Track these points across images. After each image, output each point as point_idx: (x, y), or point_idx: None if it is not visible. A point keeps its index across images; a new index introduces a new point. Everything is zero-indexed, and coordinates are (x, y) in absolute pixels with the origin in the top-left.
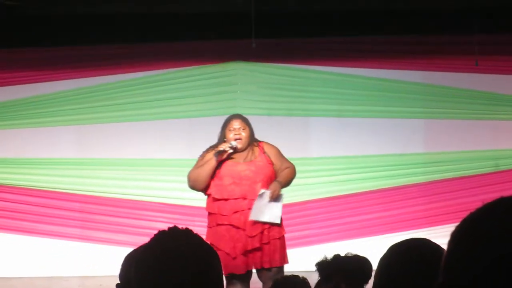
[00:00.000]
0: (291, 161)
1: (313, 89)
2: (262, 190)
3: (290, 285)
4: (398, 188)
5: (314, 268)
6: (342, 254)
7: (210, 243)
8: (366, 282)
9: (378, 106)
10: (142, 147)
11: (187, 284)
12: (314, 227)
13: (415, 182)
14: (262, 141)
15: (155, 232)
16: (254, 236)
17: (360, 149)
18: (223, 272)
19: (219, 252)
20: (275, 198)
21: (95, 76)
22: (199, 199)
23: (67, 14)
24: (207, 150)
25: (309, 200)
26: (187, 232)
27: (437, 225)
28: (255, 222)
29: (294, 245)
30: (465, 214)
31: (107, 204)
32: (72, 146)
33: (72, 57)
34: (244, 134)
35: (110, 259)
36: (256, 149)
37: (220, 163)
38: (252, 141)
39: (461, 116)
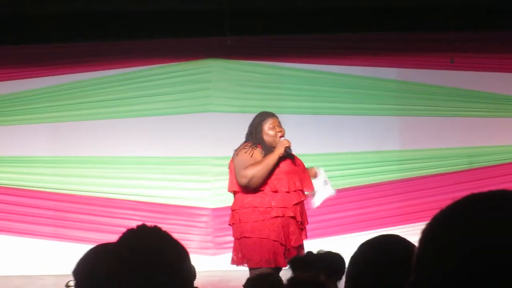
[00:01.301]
0: None
1: (287, 87)
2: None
3: (263, 283)
4: (373, 185)
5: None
6: (315, 252)
7: (252, 236)
8: (340, 278)
9: (353, 104)
10: (117, 145)
11: (157, 281)
12: None
13: (390, 180)
14: None
15: None
16: (303, 229)
17: (335, 147)
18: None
19: (280, 246)
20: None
21: (69, 73)
22: (174, 197)
23: (40, 12)
24: (251, 148)
25: None
26: (156, 229)
27: (412, 222)
28: (306, 216)
29: None
30: (437, 212)
31: (81, 202)
32: (46, 144)
33: (46, 55)
34: (284, 131)
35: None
36: None
37: (281, 159)
38: None
39: (436, 113)
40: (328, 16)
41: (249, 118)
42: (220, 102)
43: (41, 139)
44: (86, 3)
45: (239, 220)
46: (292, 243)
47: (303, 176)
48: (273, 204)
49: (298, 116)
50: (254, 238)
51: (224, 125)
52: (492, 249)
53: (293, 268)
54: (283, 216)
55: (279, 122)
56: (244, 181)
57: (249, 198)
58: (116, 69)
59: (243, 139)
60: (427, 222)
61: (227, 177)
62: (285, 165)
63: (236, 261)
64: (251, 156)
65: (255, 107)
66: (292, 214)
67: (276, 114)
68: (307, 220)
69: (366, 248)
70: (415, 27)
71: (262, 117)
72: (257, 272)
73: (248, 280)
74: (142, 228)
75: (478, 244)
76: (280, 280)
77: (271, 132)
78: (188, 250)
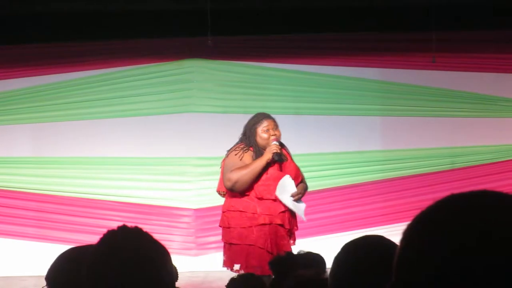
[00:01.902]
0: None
1: (270, 87)
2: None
3: (245, 284)
4: (356, 186)
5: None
6: (295, 252)
7: (241, 243)
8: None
9: (335, 104)
10: (98, 146)
11: (138, 283)
12: None
13: (373, 180)
14: None
15: None
16: (291, 235)
17: (317, 147)
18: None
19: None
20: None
21: (51, 74)
22: (156, 198)
23: (22, 12)
24: (242, 150)
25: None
26: (136, 230)
27: (394, 223)
28: (294, 223)
29: None
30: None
31: (63, 203)
32: (28, 145)
33: (28, 55)
34: (278, 134)
35: None
36: (284, 150)
37: (269, 164)
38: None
39: (418, 113)
40: (310, 16)
41: (231, 118)
42: (202, 103)
43: (23, 139)
44: (68, 3)
45: (228, 224)
46: (280, 251)
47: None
48: (259, 211)
49: (280, 116)
50: (241, 245)
51: (207, 126)
52: (473, 249)
53: (273, 269)
54: (270, 224)
55: (275, 125)
56: (228, 184)
57: (235, 201)
58: (97, 70)
59: (225, 140)
60: (409, 222)
61: (210, 177)
62: (274, 171)
63: (226, 264)
64: (241, 159)
65: (237, 108)
66: (279, 222)
67: (272, 117)
68: (296, 226)
69: (349, 249)
70: (397, 27)
71: (258, 118)
72: None
73: (231, 280)
74: (123, 229)
75: (458, 244)
76: (263, 281)
77: (264, 135)
78: (170, 250)
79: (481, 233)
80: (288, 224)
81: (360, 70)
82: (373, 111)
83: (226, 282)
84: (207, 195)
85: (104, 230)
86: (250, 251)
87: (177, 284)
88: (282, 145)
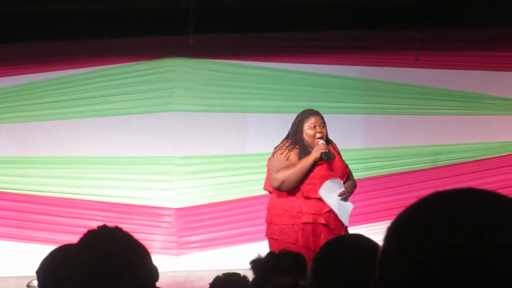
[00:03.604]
0: (229, 158)
1: (251, 85)
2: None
3: (230, 283)
4: None
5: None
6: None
7: (281, 239)
8: (302, 278)
9: (317, 102)
10: (79, 145)
11: (117, 282)
12: (253, 225)
13: (355, 178)
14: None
15: None
16: None
17: None
18: None
19: (307, 252)
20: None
21: (31, 73)
22: (137, 197)
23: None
24: (288, 149)
25: (247, 197)
26: (116, 230)
27: (377, 221)
28: (340, 223)
29: (235, 243)
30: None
31: (44, 203)
32: (9, 145)
33: (6, 54)
34: (324, 132)
35: None
36: (331, 146)
37: (316, 163)
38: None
39: (401, 111)
40: (293, 14)
41: (213, 117)
42: (184, 101)
43: (3, 139)
44: (47, 2)
45: (271, 220)
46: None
47: (341, 178)
48: (304, 209)
49: (262, 114)
50: (281, 241)
51: (188, 125)
52: (457, 247)
53: (253, 269)
54: (313, 223)
55: (322, 122)
56: (276, 184)
57: (281, 200)
58: (78, 69)
59: (207, 138)
60: (392, 220)
61: (192, 176)
62: (320, 169)
63: None
64: (287, 159)
65: (218, 106)
66: (323, 221)
67: (320, 113)
68: (342, 227)
69: (329, 248)
70: (380, 25)
71: (305, 114)
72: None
73: (215, 279)
74: (103, 229)
75: (442, 242)
76: (247, 280)
77: (311, 132)
78: (152, 250)
79: (465, 231)
80: (333, 223)
81: (343, 68)
82: (356, 109)
83: (209, 281)
84: (189, 194)
85: (86, 230)
86: (290, 248)
87: (159, 284)
88: (329, 142)
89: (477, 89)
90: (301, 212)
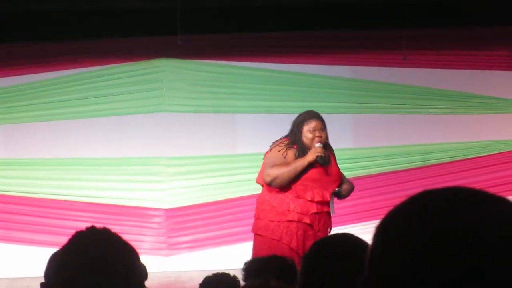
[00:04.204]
0: (219, 158)
1: (241, 86)
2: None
3: (220, 283)
4: None
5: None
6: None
7: (265, 235)
8: (292, 281)
9: (306, 102)
10: (68, 146)
11: (105, 283)
12: (242, 225)
13: None
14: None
15: None
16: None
17: None
18: None
19: (289, 250)
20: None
21: (21, 75)
22: (127, 198)
23: None
24: (286, 147)
25: (236, 198)
26: (105, 231)
27: (366, 220)
28: (328, 224)
29: (224, 243)
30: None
31: (32, 205)
32: None
33: None
34: (324, 136)
35: (37, 260)
36: (328, 151)
37: (310, 166)
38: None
39: (390, 111)
40: (281, 14)
41: (202, 117)
42: (173, 102)
43: None
44: (37, 2)
45: (258, 215)
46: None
47: (332, 186)
48: (291, 207)
49: (251, 115)
50: (265, 237)
51: (178, 125)
52: (445, 245)
53: (244, 274)
54: (299, 222)
55: (323, 126)
56: (267, 179)
57: (270, 196)
58: (66, 70)
59: (196, 139)
60: (382, 218)
61: (181, 177)
62: (315, 172)
63: (252, 255)
64: (284, 157)
65: (208, 107)
66: (308, 221)
67: (321, 117)
68: (328, 230)
69: (318, 247)
70: (367, 25)
71: (306, 117)
72: None
73: (206, 279)
74: (91, 230)
75: (430, 240)
76: (237, 279)
77: (309, 135)
78: (141, 251)
79: (454, 229)
80: (318, 225)
81: (331, 68)
82: (344, 109)
83: (199, 281)
84: (178, 194)
85: (73, 232)
86: (273, 245)
87: (148, 284)
88: (326, 147)
89: (465, 88)
90: (288, 210)
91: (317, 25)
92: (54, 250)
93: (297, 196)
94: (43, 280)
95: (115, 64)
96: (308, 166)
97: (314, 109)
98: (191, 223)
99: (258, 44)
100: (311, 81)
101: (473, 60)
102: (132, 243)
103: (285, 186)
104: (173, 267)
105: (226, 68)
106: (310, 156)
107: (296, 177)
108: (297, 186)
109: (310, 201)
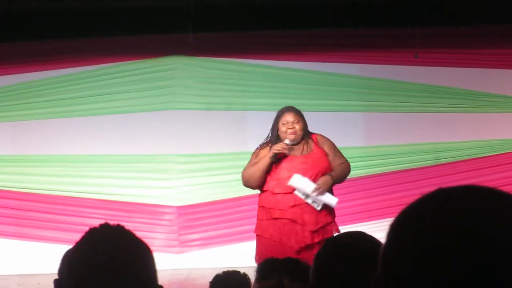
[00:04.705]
0: (230, 156)
1: (252, 83)
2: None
3: (230, 281)
4: None
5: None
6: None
7: (261, 235)
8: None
9: (316, 100)
10: (80, 143)
11: (119, 281)
12: (253, 223)
13: (355, 176)
14: (315, 133)
15: None
16: (316, 231)
17: None
18: None
19: (280, 246)
20: (321, 192)
21: (30, 72)
22: (138, 195)
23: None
24: (261, 147)
25: (247, 195)
26: (118, 228)
27: (377, 219)
28: (316, 217)
29: (235, 240)
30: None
31: (43, 201)
32: (7, 143)
33: (5, 53)
34: (297, 127)
35: (49, 257)
36: (311, 142)
37: (279, 159)
38: (307, 134)
39: (401, 109)
40: (292, 12)
41: (214, 115)
42: (185, 100)
43: (3, 138)
44: (47, 0)
45: (256, 216)
46: (294, 245)
47: (311, 174)
48: (274, 205)
49: (262, 113)
50: (261, 237)
51: (189, 123)
52: (460, 243)
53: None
54: (282, 218)
55: (296, 117)
56: (243, 182)
57: (260, 196)
58: (78, 67)
59: (208, 137)
60: (395, 216)
61: (192, 174)
62: (288, 165)
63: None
64: (256, 156)
65: (219, 104)
66: (289, 216)
67: (295, 109)
68: (314, 224)
69: (331, 245)
70: (379, 22)
71: (280, 112)
72: None
73: (215, 277)
74: (105, 226)
75: (445, 238)
76: (248, 277)
77: (283, 129)
78: (153, 248)
79: (468, 228)
80: (300, 219)
81: (342, 66)
82: (355, 107)
83: (210, 279)
84: (190, 192)
85: (86, 228)
86: (268, 244)
87: (160, 282)
88: (307, 136)
89: (477, 86)
90: (272, 208)
91: (329, 23)
92: (65, 247)
93: (274, 193)
94: (55, 277)
95: (127, 62)
96: (279, 159)
97: (326, 107)
98: (202, 220)
99: (268, 42)
100: (322, 79)
101: (486, 59)
102: (144, 240)
103: (258, 185)
104: (184, 265)
105: (237, 65)
106: (270, 152)
107: (268, 174)
108: (271, 182)
109: (285, 194)
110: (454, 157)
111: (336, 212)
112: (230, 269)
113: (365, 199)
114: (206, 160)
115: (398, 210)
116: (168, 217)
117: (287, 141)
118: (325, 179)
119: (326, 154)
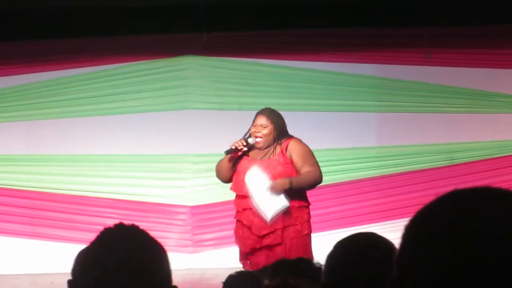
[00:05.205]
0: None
1: (264, 83)
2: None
3: (243, 281)
4: (352, 182)
5: None
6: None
7: (235, 236)
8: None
9: (330, 100)
10: (93, 143)
11: (134, 281)
12: None
13: (369, 176)
14: (292, 139)
15: None
16: (263, 236)
17: (312, 143)
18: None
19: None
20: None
21: (44, 71)
22: (152, 195)
23: (13, 9)
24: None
25: None
26: (133, 228)
27: (391, 219)
28: (264, 222)
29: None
30: (418, 208)
31: (56, 201)
32: (21, 142)
33: (20, 52)
34: (265, 132)
35: (61, 256)
36: (278, 148)
37: (239, 159)
38: (279, 138)
39: (415, 109)
40: (305, 11)
41: (227, 115)
42: (198, 99)
43: (15, 137)
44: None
45: None
46: (246, 249)
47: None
48: (235, 206)
49: None
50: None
51: (202, 122)
52: (476, 246)
53: (262, 276)
54: (239, 220)
55: (266, 121)
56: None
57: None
58: (92, 67)
59: (221, 136)
60: (411, 217)
61: (205, 174)
62: (244, 167)
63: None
64: None
65: (233, 104)
66: (242, 219)
67: (267, 112)
68: (265, 226)
69: (342, 246)
70: (393, 22)
71: (256, 113)
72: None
73: (229, 277)
74: (119, 226)
75: (461, 240)
76: (260, 278)
77: (252, 130)
78: (166, 248)
79: (485, 230)
80: (249, 222)
81: (356, 66)
82: (369, 107)
83: (223, 279)
84: (203, 192)
85: (100, 228)
86: (239, 246)
87: (173, 282)
88: (277, 140)
89: (490, 87)
90: (236, 210)
91: (343, 23)
92: (79, 246)
93: (236, 194)
94: (68, 276)
95: (141, 61)
96: (238, 161)
97: (338, 107)
98: (215, 220)
99: (282, 42)
100: (335, 79)
101: (499, 59)
102: (158, 240)
103: (225, 180)
104: (198, 264)
105: (251, 65)
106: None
107: (231, 175)
108: (234, 184)
109: (240, 196)
110: (469, 158)
111: (349, 212)
112: (244, 269)
113: (378, 199)
114: (219, 160)
115: (411, 210)
116: (181, 217)
117: (250, 140)
118: (282, 181)
119: (289, 162)
